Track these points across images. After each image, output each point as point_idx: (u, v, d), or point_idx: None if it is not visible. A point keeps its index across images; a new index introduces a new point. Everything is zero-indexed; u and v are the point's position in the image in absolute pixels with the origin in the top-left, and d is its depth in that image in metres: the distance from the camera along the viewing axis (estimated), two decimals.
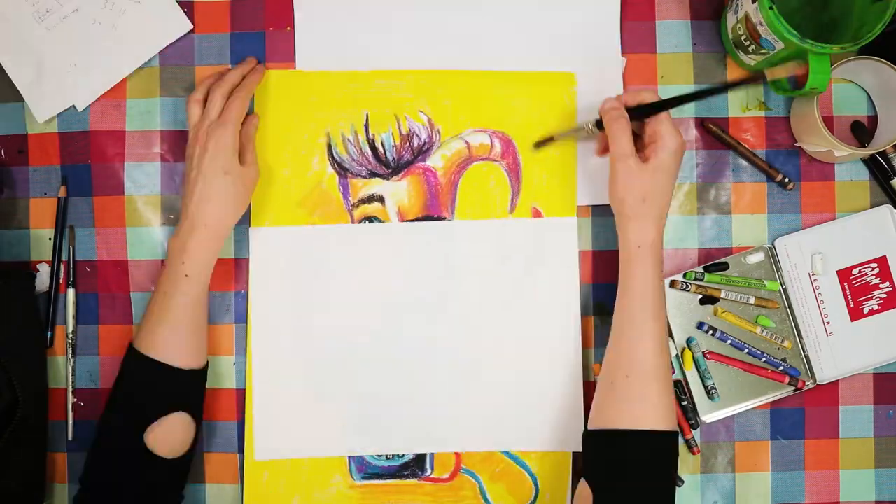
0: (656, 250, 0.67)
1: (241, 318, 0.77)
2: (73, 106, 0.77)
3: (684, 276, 0.75)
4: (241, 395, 0.76)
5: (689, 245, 0.76)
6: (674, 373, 0.75)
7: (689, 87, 0.76)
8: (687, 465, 0.76)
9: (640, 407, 0.64)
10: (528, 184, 0.76)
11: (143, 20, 0.76)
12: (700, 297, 0.75)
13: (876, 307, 0.75)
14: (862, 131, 0.75)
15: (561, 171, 0.76)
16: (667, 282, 0.75)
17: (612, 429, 0.65)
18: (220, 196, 0.69)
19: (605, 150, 0.73)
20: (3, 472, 0.71)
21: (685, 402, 0.75)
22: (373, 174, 0.76)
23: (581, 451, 0.69)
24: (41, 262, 0.78)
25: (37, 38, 0.76)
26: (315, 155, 0.76)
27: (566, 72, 0.76)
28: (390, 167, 0.76)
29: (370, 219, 0.76)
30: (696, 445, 0.75)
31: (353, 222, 0.76)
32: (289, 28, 0.77)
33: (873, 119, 0.77)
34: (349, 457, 0.75)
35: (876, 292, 0.75)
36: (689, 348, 0.75)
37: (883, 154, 0.75)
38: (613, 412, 0.65)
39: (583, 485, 0.65)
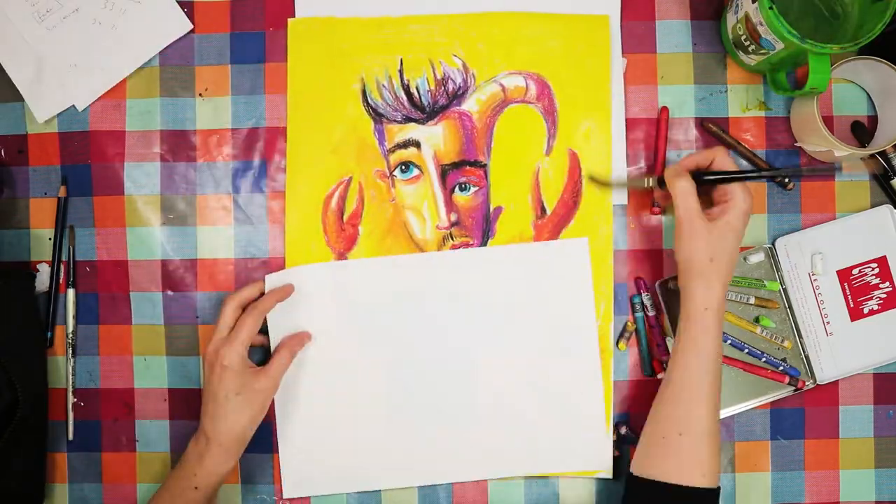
0: (720, 313, 0.66)
1: None
2: (73, 106, 0.77)
3: None
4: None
5: None
6: None
7: (689, 87, 0.76)
8: None
9: (690, 465, 0.65)
10: (564, 127, 0.75)
11: (143, 20, 0.76)
12: None
13: (876, 307, 0.75)
14: (862, 131, 0.75)
15: (597, 115, 0.75)
16: (667, 282, 0.75)
17: (659, 481, 0.66)
18: (233, 415, 0.68)
19: (667, 199, 0.73)
20: (3, 472, 0.71)
21: None
22: (408, 119, 0.76)
23: (604, 473, 0.72)
24: (41, 262, 0.78)
25: (37, 38, 0.76)
26: (349, 101, 0.76)
27: (601, 14, 0.75)
28: (425, 112, 0.76)
29: (406, 164, 0.75)
30: None
31: (388, 167, 0.76)
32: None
33: (873, 119, 0.77)
34: None
35: (876, 292, 0.75)
36: None
37: (883, 154, 0.75)
38: (663, 465, 0.66)
39: None
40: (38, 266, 0.77)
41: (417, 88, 0.75)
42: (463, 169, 0.76)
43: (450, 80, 0.75)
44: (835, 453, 0.76)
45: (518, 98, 0.76)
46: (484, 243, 0.76)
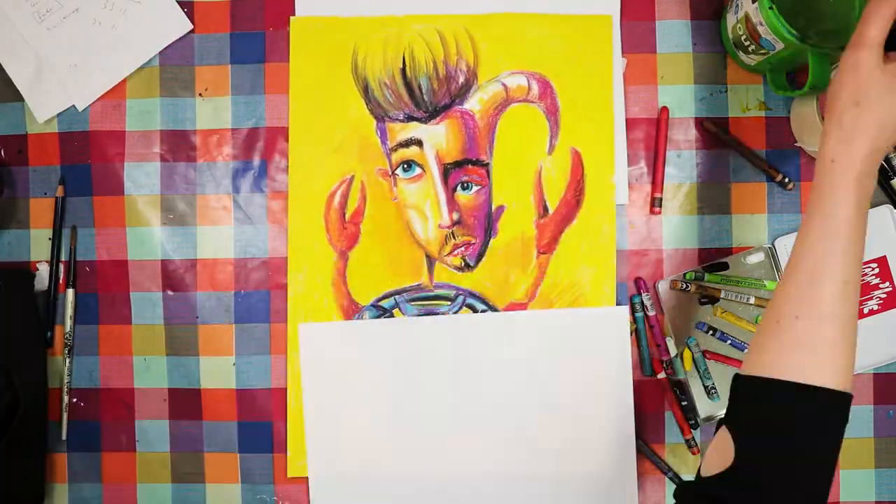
0: (856, 175, 0.54)
1: (242, 319, 0.77)
2: (73, 106, 0.77)
3: (684, 276, 0.75)
4: (241, 395, 0.76)
5: (689, 245, 0.76)
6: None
7: (689, 87, 0.76)
8: (687, 465, 0.76)
9: (809, 357, 0.53)
10: (566, 125, 0.76)
11: (143, 20, 0.76)
12: (700, 297, 0.75)
13: (876, 307, 0.75)
14: None
15: (600, 114, 0.75)
16: (667, 282, 0.75)
17: (770, 377, 0.54)
18: None
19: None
20: (3, 471, 0.71)
21: (685, 402, 0.75)
22: (410, 118, 0.76)
23: None
24: (41, 261, 0.78)
25: (37, 38, 0.76)
26: (352, 100, 0.76)
27: (603, 14, 0.76)
28: (428, 111, 0.76)
29: (408, 163, 0.76)
30: (696, 445, 0.75)
31: (390, 166, 0.76)
32: (289, 28, 0.77)
33: None
34: None
35: (876, 292, 0.75)
36: (689, 348, 0.75)
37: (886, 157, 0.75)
38: (775, 357, 0.54)
39: (723, 434, 0.55)
40: (37, 265, 0.77)
41: (420, 87, 0.76)
42: (465, 168, 0.76)
43: (452, 80, 0.76)
44: None
45: (520, 97, 0.76)
46: (486, 242, 0.76)
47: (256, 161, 0.77)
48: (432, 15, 0.76)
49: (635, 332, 0.76)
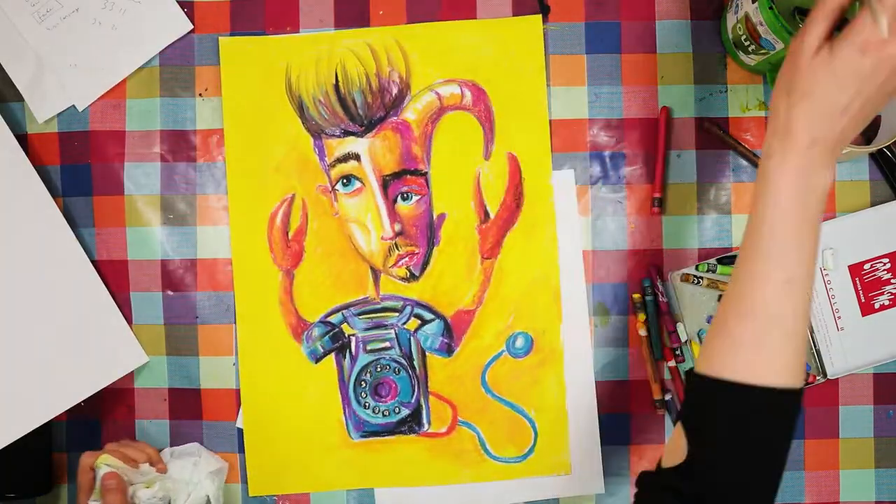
0: (794, 166, 0.52)
1: None
2: (73, 106, 0.77)
3: (696, 268, 0.75)
4: (240, 394, 0.77)
5: (689, 245, 0.76)
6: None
7: (689, 87, 0.76)
8: None
9: (754, 356, 0.53)
10: (501, 131, 0.76)
11: (143, 20, 0.76)
12: (713, 291, 0.75)
13: (887, 302, 0.75)
14: (868, 126, 0.75)
15: (534, 117, 0.76)
16: (679, 274, 0.75)
17: (717, 377, 0.54)
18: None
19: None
20: (8, 460, 0.71)
21: None
22: (347, 133, 0.76)
23: None
24: None
25: (37, 38, 0.76)
26: (288, 119, 0.76)
27: (531, 16, 0.76)
28: (363, 124, 0.76)
29: (347, 177, 0.76)
30: None
31: (330, 182, 0.76)
32: (289, 28, 0.77)
33: (874, 119, 0.77)
34: (345, 417, 0.76)
35: (887, 287, 0.75)
36: (700, 340, 0.75)
37: (890, 149, 0.75)
38: (723, 357, 0.54)
39: (678, 433, 0.56)
40: None
41: (354, 101, 0.76)
42: (404, 178, 0.76)
43: (386, 92, 0.76)
44: (835, 453, 0.76)
45: (454, 105, 0.76)
46: (429, 251, 0.76)
47: None
48: (362, 29, 0.76)
49: (646, 321, 0.76)
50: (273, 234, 0.76)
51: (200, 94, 0.77)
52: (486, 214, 0.76)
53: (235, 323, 0.76)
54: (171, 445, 0.77)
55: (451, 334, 0.76)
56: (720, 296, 0.75)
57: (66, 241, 0.75)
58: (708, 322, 0.75)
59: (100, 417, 0.77)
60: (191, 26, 0.77)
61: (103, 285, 0.76)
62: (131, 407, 0.77)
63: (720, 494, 0.53)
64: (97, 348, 0.75)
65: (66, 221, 0.75)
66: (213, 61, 0.77)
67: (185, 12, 0.77)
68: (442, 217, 0.76)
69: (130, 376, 0.77)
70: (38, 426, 0.71)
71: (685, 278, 0.75)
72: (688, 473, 0.54)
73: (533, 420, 0.76)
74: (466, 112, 0.76)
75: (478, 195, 0.76)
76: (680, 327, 0.75)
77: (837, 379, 0.76)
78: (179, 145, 0.77)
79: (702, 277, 0.75)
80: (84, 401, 0.77)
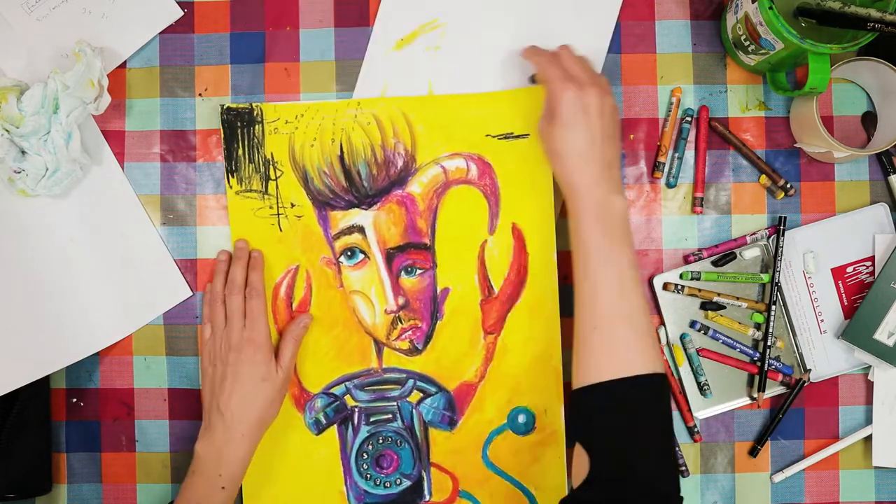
0: (580, 194, 0.65)
1: None
2: None
3: (680, 276, 0.75)
4: None
5: (689, 245, 0.76)
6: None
7: (689, 87, 0.76)
8: (687, 464, 0.76)
9: (610, 356, 0.62)
10: (506, 203, 0.75)
11: (133, 7, 0.75)
12: (694, 299, 0.75)
13: None
14: (872, 123, 0.75)
15: (539, 187, 0.74)
16: (660, 282, 0.75)
17: (588, 384, 0.62)
18: (259, 402, 0.69)
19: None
20: (8, 460, 0.71)
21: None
22: (351, 204, 0.75)
23: None
24: None
25: (27, 29, 0.75)
26: (292, 189, 0.75)
27: (536, 86, 0.74)
28: (368, 196, 0.75)
29: (351, 250, 0.75)
30: (699, 432, 0.75)
31: (334, 254, 0.75)
32: (289, 28, 0.77)
33: (874, 118, 0.77)
34: (347, 488, 0.75)
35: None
36: (683, 344, 0.75)
37: (886, 153, 0.75)
38: (588, 367, 0.62)
39: (577, 451, 0.62)
40: None
41: (359, 173, 0.75)
42: (408, 252, 0.75)
43: (391, 164, 0.75)
44: (835, 453, 0.76)
45: (460, 179, 0.75)
46: (433, 325, 0.75)
47: None
48: (367, 99, 0.75)
49: None
50: (277, 305, 0.75)
51: (200, 94, 0.77)
52: (490, 289, 0.75)
53: None
54: (171, 446, 0.77)
55: (454, 407, 0.75)
56: (703, 303, 0.75)
57: (113, 173, 0.77)
58: (690, 326, 0.75)
59: (100, 418, 0.77)
60: (182, 13, 0.76)
61: (150, 221, 0.77)
62: (131, 407, 0.77)
63: (631, 487, 0.59)
64: (144, 284, 0.76)
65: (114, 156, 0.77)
66: (214, 61, 0.77)
67: (185, 12, 0.76)
68: (446, 291, 0.75)
69: (130, 376, 0.77)
70: (90, 354, 0.75)
71: (666, 287, 0.75)
72: (594, 483, 0.59)
73: (533, 497, 0.75)
74: (472, 186, 0.75)
75: (482, 270, 0.75)
76: (661, 331, 0.75)
77: (837, 379, 0.76)
78: (179, 145, 0.77)
79: (683, 287, 0.75)
80: (84, 401, 0.77)
